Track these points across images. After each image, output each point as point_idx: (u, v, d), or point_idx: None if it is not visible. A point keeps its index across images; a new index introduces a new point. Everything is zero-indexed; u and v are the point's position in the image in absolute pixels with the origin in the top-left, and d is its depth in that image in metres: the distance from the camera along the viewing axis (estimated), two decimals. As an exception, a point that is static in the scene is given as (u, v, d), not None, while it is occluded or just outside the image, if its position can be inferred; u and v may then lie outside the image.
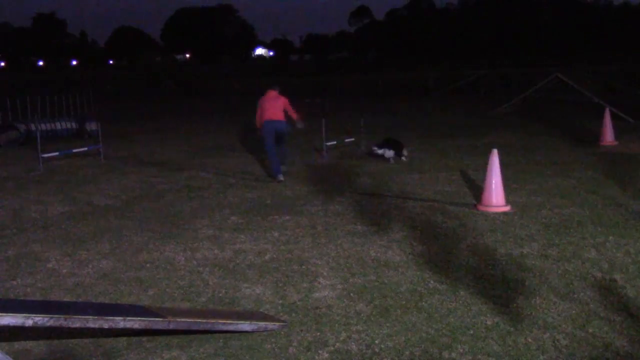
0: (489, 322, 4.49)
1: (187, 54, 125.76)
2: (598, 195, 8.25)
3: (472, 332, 4.34)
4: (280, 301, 5.01)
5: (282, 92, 10.75)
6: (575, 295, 4.93)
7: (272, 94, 10.58)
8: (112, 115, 20.70)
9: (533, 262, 5.73)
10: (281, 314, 4.76)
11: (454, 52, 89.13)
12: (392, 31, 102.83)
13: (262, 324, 4.43)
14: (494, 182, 7.66)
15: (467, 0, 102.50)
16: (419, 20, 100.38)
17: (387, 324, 4.50)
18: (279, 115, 10.37)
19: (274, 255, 6.19)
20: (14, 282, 5.63)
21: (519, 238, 6.48)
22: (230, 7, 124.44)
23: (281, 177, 10.06)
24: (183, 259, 6.18)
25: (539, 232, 6.70)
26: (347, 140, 13.26)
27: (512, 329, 4.38)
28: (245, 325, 4.35)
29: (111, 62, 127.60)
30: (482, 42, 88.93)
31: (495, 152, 7.75)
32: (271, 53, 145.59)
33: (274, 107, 10.38)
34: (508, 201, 7.77)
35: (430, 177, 10.02)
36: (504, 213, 7.50)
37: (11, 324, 3.54)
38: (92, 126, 17.00)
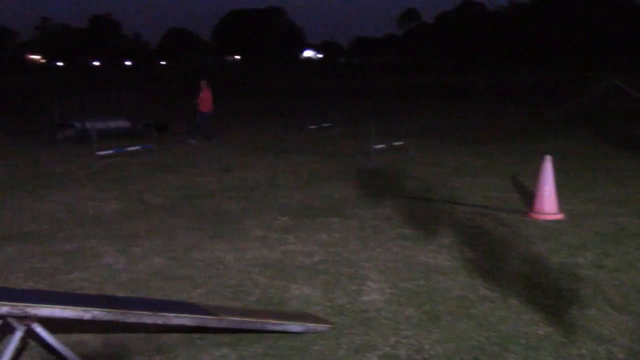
0: (541, 332, 4.41)
1: (237, 55, 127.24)
2: (656, 205, 8.02)
3: (523, 341, 4.27)
4: (329, 303, 5.03)
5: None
6: (632, 308, 4.79)
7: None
8: (164, 115, 21.08)
9: (587, 272, 5.60)
10: (330, 316, 4.77)
11: (505, 56, 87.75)
12: (442, 34, 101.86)
13: (310, 325, 4.45)
14: (546, 189, 7.51)
15: (519, 3, 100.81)
16: (470, 23, 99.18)
17: (437, 330, 4.47)
18: None
19: (323, 257, 6.21)
20: (71, 276, 5.80)
21: (572, 247, 6.35)
22: (279, 9, 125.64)
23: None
24: (233, 258, 6.26)
25: (593, 241, 6.54)
26: (395, 143, 13.20)
27: (565, 339, 4.29)
28: (294, 326, 4.38)
29: (163, 62, 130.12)
30: (534, 46, 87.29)
31: (548, 158, 7.61)
32: (319, 55, 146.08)
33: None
34: (561, 209, 7.61)
35: (480, 182, 9.90)
36: (557, 221, 7.35)
37: (71, 317, 3.65)
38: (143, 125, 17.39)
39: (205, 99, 16.03)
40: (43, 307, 3.60)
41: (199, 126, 15.86)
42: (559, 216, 7.48)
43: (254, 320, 4.26)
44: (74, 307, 3.64)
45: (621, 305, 4.85)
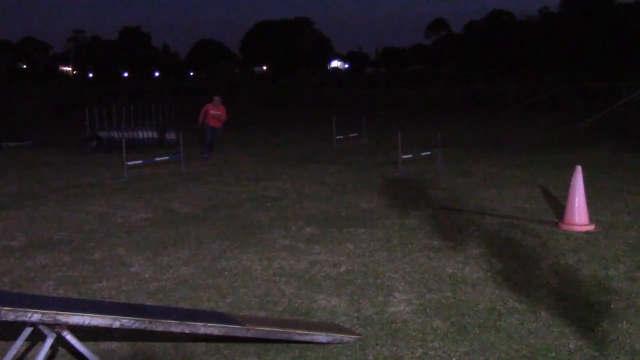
0: (572, 346, 4.33)
1: (265, 66, 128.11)
2: (690, 217, 7.84)
3: (554, 354, 4.20)
4: (356, 314, 5.01)
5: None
6: (666, 322, 4.69)
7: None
8: (192, 126, 21.30)
9: (619, 285, 5.49)
10: (357, 327, 4.75)
11: (535, 65, 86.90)
12: (471, 44, 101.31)
13: (338, 336, 4.44)
14: (577, 200, 7.40)
15: (550, 12, 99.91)
16: (499, 32, 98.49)
17: (465, 343, 4.42)
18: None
19: (350, 268, 6.19)
20: (100, 285, 5.87)
21: (604, 259, 6.23)
22: (307, 20, 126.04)
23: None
24: (260, 268, 6.28)
25: (626, 253, 6.42)
26: (423, 154, 13.14)
27: (597, 354, 4.20)
28: (322, 337, 4.37)
29: (192, 74, 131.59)
30: (564, 55, 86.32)
31: (579, 168, 7.50)
32: (347, 66, 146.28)
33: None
34: (592, 220, 7.49)
35: (509, 193, 9.79)
36: (588, 233, 7.23)
37: (100, 325, 3.70)
38: (171, 136, 17.61)
39: (222, 116, 15.08)
40: (73, 315, 3.64)
41: (213, 141, 15.07)
42: (591, 227, 7.36)
43: (281, 330, 4.26)
44: (103, 316, 3.68)
45: (655, 319, 4.74)
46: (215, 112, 15.01)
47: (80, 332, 4.03)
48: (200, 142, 15.79)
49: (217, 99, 15.14)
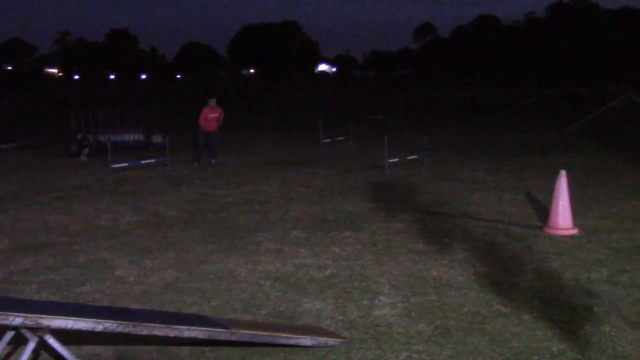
0: (554, 349, 4.36)
1: (252, 69, 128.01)
2: (672, 221, 7.93)
3: (536, 357, 4.23)
4: (341, 317, 5.01)
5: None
6: (647, 325, 4.74)
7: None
8: (179, 129, 21.24)
9: (602, 288, 5.54)
10: (341, 330, 4.76)
11: (520, 70, 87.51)
12: (458, 48, 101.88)
13: (322, 339, 4.44)
14: (561, 204, 7.46)
15: (535, 17, 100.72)
16: (485, 37, 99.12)
17: (449, 346, 4.44)
18: None
19: (335, 271, 6.20)
20: (84, 288, 5.84)
21: (587, 263, 6.29)
22: (294, 23, 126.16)
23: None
24: (245, 271, 6.27)
25: (609, 257, 6.48)
26: (409, 157, 13.18)
27: (579, 356, 4.24)
28: (306, 340, 4.37)
29: (179, 76, 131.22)
30: (550, 60, 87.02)
31: (563, 173, 7.56)
32: (334, 69, 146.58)
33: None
34: (576, 224, 7.55)
35: (494, 196, 9.85)
36: (572, 236, 7.29)
37: (83, 328, 3.68)
38: (157, 138, 17.53)
39: (220, 117, 14.71)
40: (56, 318, 3.62)
41: (215, 145, 14.74)
42: (574, 231, 7.42)
43: (266, 333, 4.26)
44: (86, 319, 3.67)
45: (636, 321, 4.79)
46: (213, 114, 14.61)
47: (63, 335, 4.00)
48: (194, 148, 15.33)
49: (212, 101, 14.70)
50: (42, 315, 3.60)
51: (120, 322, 3.72)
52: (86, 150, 16.22)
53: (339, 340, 4.52)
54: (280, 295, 5.55)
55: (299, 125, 25.62)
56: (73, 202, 10.07)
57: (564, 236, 7.30)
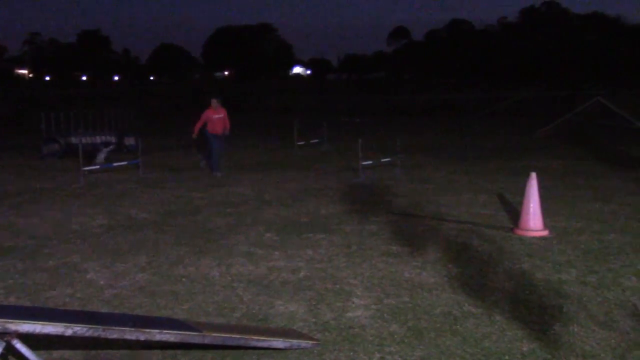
0: (525, 349, 4.42)
1: (226, 71, 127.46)
2: (639, 222, 8.07)
3: (507, 358, 4.28)
4: (314, 319, 5.01)
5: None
6: (615, 324, 4.82)
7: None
8: (152, 131, 21.09)
9: (571, 289, 5.63)
10: (314, 332, 4.76)
11: (494, 74, 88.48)
12: (431, 52, 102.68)
13: (295, 341, 4.43)
14: (532, 205, 7.55)
15: (508, 22, 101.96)
16: (459, 41, 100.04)
17: (421, 347, 4.47)
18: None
19: (308, 274, 6.20)
20: (54, 292, 5.75)
21: (557, 263, 6.38)
22: (269, 25, 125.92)
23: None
24: (218, 274, 6.23)
25: (578, 258, 6.58)
26: (383, 160, 13.25)
27: (549, 356, 4.30)
28: (279, 343, 4.36)
29: (152, 78, 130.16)
30: (522, 64, 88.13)
31: (533, 175, 7.66)
32: (308, 72, 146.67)
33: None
34: (546, 226, 7.66)
35: (467, 199, 9.94)
36: (542, 238, 7.39)
37: (52, 333, 3.62)
38: (130, 141, 17.38)
39: (226, 118, 13.41)
40: (24, 322, 3.56)
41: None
42: (544, 233, 7.52)
43: (238, 336, 4.24)
44: (55, 323, 3.61)
45: (604, 321, 4.87)
46: (217, 115, 13.23)
47: (32, 340, 3.94)
48: (207, 156, 13.92)
49: (215, 101, 13.30)
50: (9, 320, 3.54)
51: (89, 326, 3.67)
52: (54, 147, 15.99)
53: (312, 342, 4.51)
54: (254, 298, 5.53)
55: (274, 127, 25.60)
56: (43, 204, 9.93)
57: (534, 238, 7.39)
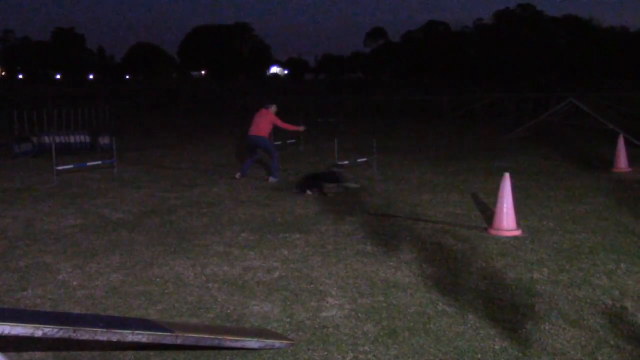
0: (497, 347, 4.46)
1: (203, 71, 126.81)
2: (610, 222, 8.20)
3: (479, 356, 4.32)
4: (288, 319, 5.01)
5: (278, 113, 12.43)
6: (585, 322, 4.89)
7: (263, 111, 12.17)
8: (127, 130, 20.90)
9: (543, 288, 5.70)
10: (289, 332, 4.76)
11: (468, 75, 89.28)
12: (408, 53, 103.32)
13: (269, 341, 4.43)
14: (505, 205, 7.63)
15: (483, 23, 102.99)
16: (435, 42, 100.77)
17: (395, 346, 4.49)
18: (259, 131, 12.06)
19: (283, 273, 6.19)
20: (25, 293, 5.67)
21: (529, 263, 6.45)
22: (246, 25, 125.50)
23: (238, 175, 12.30)
24: (192, 274, 6.20)
25: (550, 257, 6.66)
26: (359, 160, 13.28)
27: (520, 354, 4.35)
28: (253, 343, 4.35)
29: (127, 77, 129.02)
30: (497, 66, 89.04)
31: (507, 175, 7.74)
32: (286, 72, 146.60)
33: (259, 123, 12.08)
34: (519, 225, 7.75)
35: (442, 199, 10.01)
36: (515, 237, 7.47)
37: (21, 334, 3.57)
38: (105, 140, 17.19)
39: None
40: (-8, 324, 3.50)
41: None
42: (517, 232, 7.61)
43: (211, 336, 4.22)
44: (24, 324, 3.56)
45: (575, 320, 4.94)
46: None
47: (1, 342, 3.88)
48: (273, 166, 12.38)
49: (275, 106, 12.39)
50: (-23, 321, 3.48)
51: (60, 327, 3.62)
52: (26, 146, 15.76)
53: (286, 342, 4.51)
54: (228, 298, 5.51)
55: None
56: (14, 204, 9.78)
57: (507, 237, 7.47)
